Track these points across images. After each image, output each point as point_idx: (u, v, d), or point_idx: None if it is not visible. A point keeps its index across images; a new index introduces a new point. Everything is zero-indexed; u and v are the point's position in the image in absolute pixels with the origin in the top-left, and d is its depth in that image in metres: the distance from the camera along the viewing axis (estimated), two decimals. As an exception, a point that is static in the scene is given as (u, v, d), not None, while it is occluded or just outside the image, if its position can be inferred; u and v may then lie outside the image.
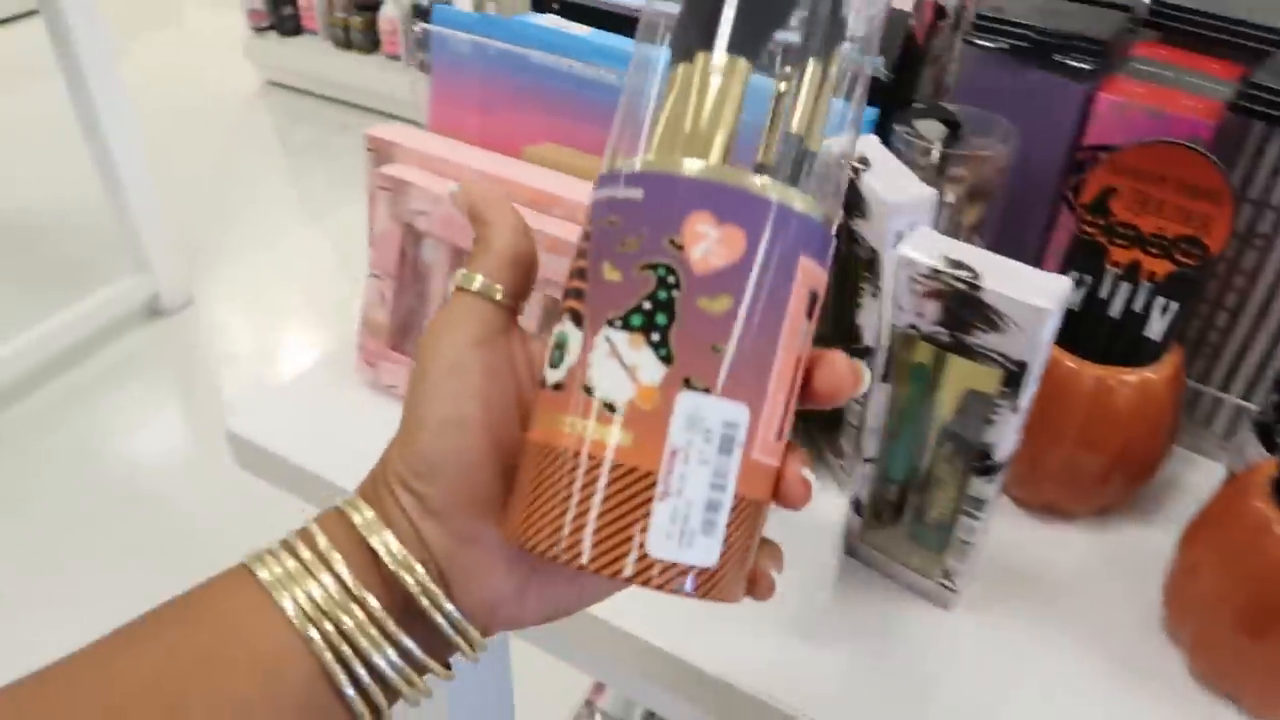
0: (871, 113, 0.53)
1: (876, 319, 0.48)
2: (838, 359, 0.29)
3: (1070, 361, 0.49)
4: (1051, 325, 0.38)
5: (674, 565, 0.26)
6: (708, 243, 0.26)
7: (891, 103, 0.55)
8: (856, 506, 0.48)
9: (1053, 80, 0.52)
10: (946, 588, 0.48)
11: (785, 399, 0.28)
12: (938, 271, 0.40)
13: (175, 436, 1.74)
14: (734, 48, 0.28)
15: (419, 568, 0.28)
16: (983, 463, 0.43)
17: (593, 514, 0.26)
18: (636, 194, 0.27)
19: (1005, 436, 0.42)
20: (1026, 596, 0.49)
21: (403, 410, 0.29)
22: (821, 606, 0.48)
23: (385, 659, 0.27)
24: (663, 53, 0.29)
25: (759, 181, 0.26)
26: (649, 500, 0.25)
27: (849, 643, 0.46)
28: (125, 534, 1.51)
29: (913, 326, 0.42)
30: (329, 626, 0.27)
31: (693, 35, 0.28)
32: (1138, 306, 0.49)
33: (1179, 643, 0.46)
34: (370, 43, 2.70)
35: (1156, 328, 0.49)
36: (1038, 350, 0.39)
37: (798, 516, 0.53)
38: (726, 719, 0.46)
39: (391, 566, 0.28)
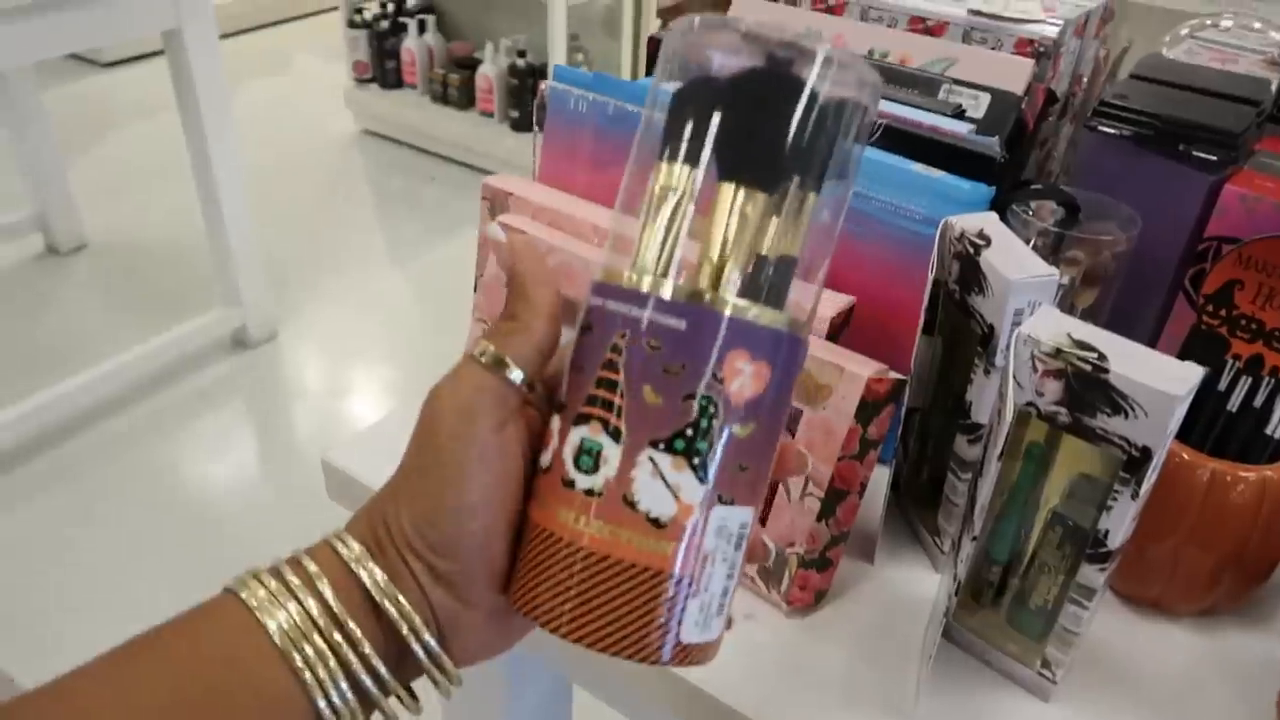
0: (986, 191, 0.53)
1: (987, 396, 0.47)
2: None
3: (1186, 453, 0.48)
4: (1180, 413, 0.38)
5: (697, 646, 0.30)
6: (744, 378, 0.29)
7: (1003, 182, 0.55)
8: (955, 587, 0.47)
9: (1178, 169, 0.51)
10: (1045, 678, 0.46)
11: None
12: (1061, 351, 0.39)
13: (248, 465, 1.78)
14: (753, 174, 0.30)
15: (401, 598, 0.30)
16: (1096, 550, 0.42)
17: (634, 611, 0.29)
18: (679, 324, 0.29)
19: (1121, 524, 0.41)
20: (1127, 694, 0.47)
21: (412, 473, 0.31)
22: (912, 687, 0.47)
23: (364, 680, 0.29)
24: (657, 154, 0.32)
25: (783, 318, 0.30)
26: (687, 598, 0.30)
27: (940, 726, 0.45)
28: (193, 556, 1.54)
29: (1030, 405, 0.41)
30: (309, 649, 0.28)
31: (699, 148, 0.31)
32: (1258, 402, 0.48)
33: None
34: (466, 99, 2.80)
35: (1278, 425, 0.48)
36: (1163, 437, 0.38)
37: (890, 595, 0.52)
38: (808, 794, 0.45)
39: (375, 596, 0.30)
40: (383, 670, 0.29)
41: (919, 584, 0.52)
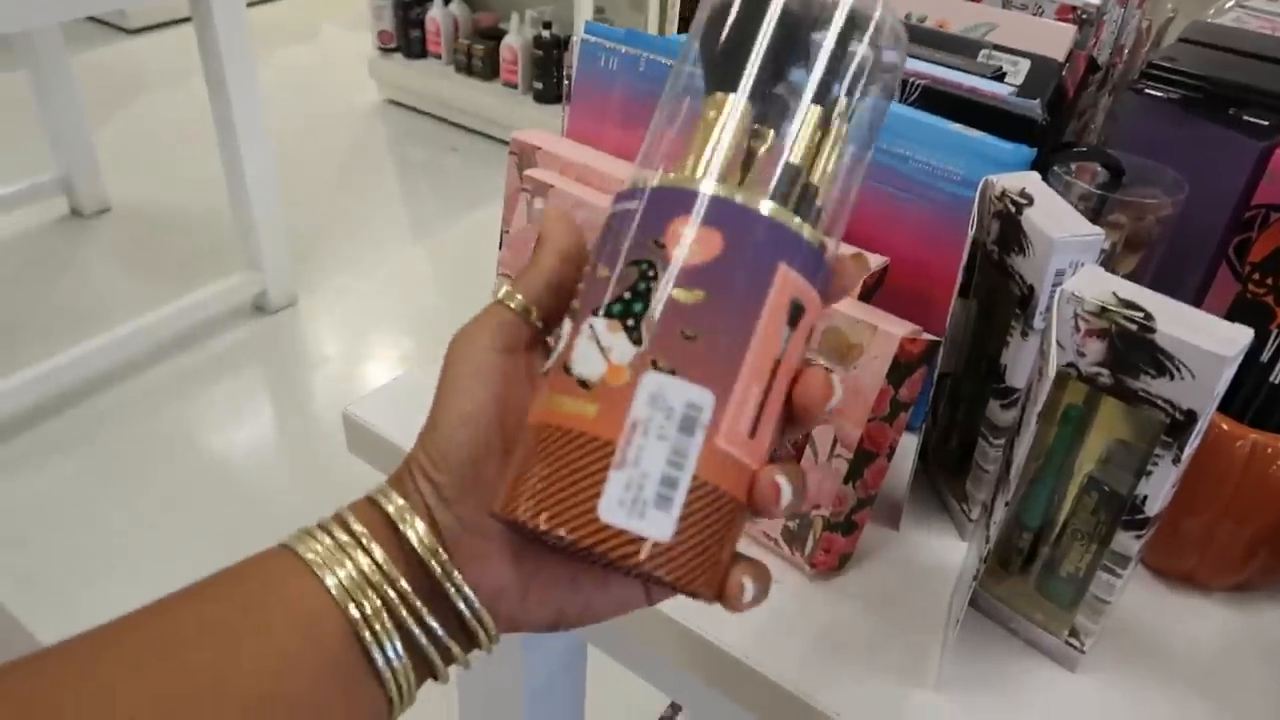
0: (1027, 153, 0.52)
1: (1023, 360, 0.46)
2: (813, 372, 0.30)
3: (1226, 424, 0.46)
4: (1228, 375, 0.36)
5: (624, 533, 0.27)
6: (686, 242, 0.29)
7: (1044, 146, 0.53)
8: (985, 552, 0.47)
9: (1227, 134, 0.50)
10: (1073, 647, 0.45)
11: (759, 397, 0.29)
12: (1106, 310, 0.38)
13: (267, 429, 1.78)
14: (734, 86, 0.31)
15: (443, 553, 0.30)
16: (1133, 516, 0.41)
17: (555, 478, 0.28)
18: (633, 205, 0.30)
19: (1160, 490, 0.40)
20: (1156, 667, 0.46)
21: (431, 406, 0.32)
22: (936, 654, 0.46)
23: (417, 636, 0.29)
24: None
25: (739, 194, 0.30)
26: (606, 468, 0.27)
27: (963, 695, 0.44)
28: (212, 518, 1.55)
29: (1071, 366, 0.40)
30: (365, 603, 0.29)
31: (708, 78, 0.32)
32: (1303, 374, 0.47)
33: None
34: (490, 70, 2.78)
35: (1323, 398, 0.46)
36: (1209, 400, 0.37)
37: (915, 561, 0.52)
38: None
39: (420, 551, 0.30)
40: (435, 625, 0.30)
41: (945, 551, 0.52)
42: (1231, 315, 0.49)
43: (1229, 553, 0.48)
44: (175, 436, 1.73)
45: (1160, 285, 0.54)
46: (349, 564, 0.29)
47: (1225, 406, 0.47)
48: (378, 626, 0.29)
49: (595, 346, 0.29)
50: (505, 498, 0.29)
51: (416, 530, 0.30)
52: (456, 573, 0.30)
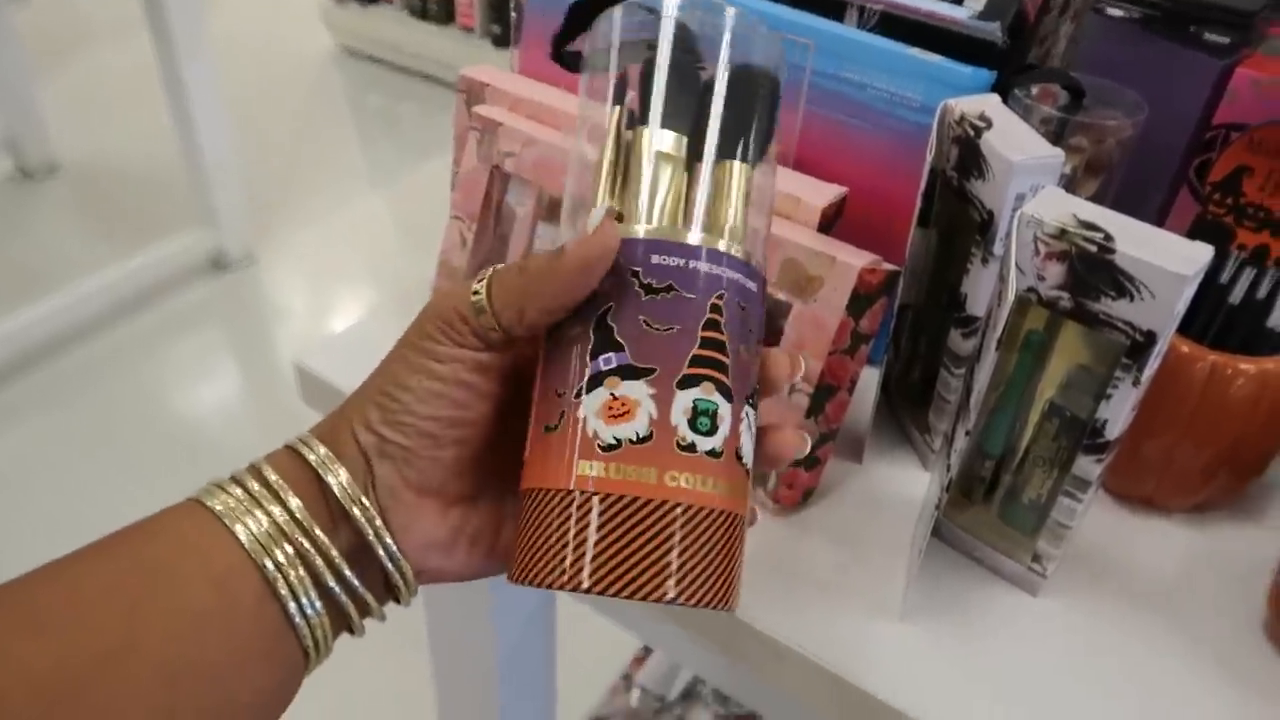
0: (987, 76, 0.50)
1: (983, 287, 0.46)
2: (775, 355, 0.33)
3: (1185, 346, 0.46)
4: (1188, 294, 0.36)
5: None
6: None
7: (1004, 70, 0.52)
8: (946, 482, 0.46)
9: (1187, 53, 0.49)
10: (1035, 572, 0.45)
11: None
12: (1066, 231, 0.37)
13: (230, 388, 1.76)
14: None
15: (365, 500, 0.30)
16: (1094, 440, 0.41)
17: (735, 559, 0.30)
18: (753, 286, 0.32)
19: (1120, 413, 0.40)
20: (1116, 589, 0.46)
21: (388, 361, 0.31)
22: (900, 585, 0.46)
23: (331, 586, 0.29)
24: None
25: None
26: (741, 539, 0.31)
27: (927, 622, 0.44)
28: (178, 479, 1.52)
29: (1031, 290, 0.40)
30: (278, 553, 0.28)
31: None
32: (1261, 293, 0.47)
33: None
34: (445, 14, 2.71)
35: (1281, 318, 0.46)
36: (1170, 319, 0.37)
37: (878, 494, 0.52)
38: (791, 690, 0.44)
39: (340, 499, 0.29)
40: (350, 575, 0.29)
41: (908, 483, 0.51)
42: (1191, 237, 0.48)
43: (1188, 474, 0.48)
44: (138, 397, 1.70)
45: (1121, 209, 0.53)
46: (260, 514, 0.28)
47: (1185, 328, 0.47)
48: (291, 577, 0.28)
49: (750, 436, 0.31)
50: (668, 579, 0.28)
51: (339, 477, 0.29)
52: (379, 520, 0.30)
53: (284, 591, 0.28)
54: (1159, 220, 0.54)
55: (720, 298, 0.30)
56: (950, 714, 0.40)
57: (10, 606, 0.25)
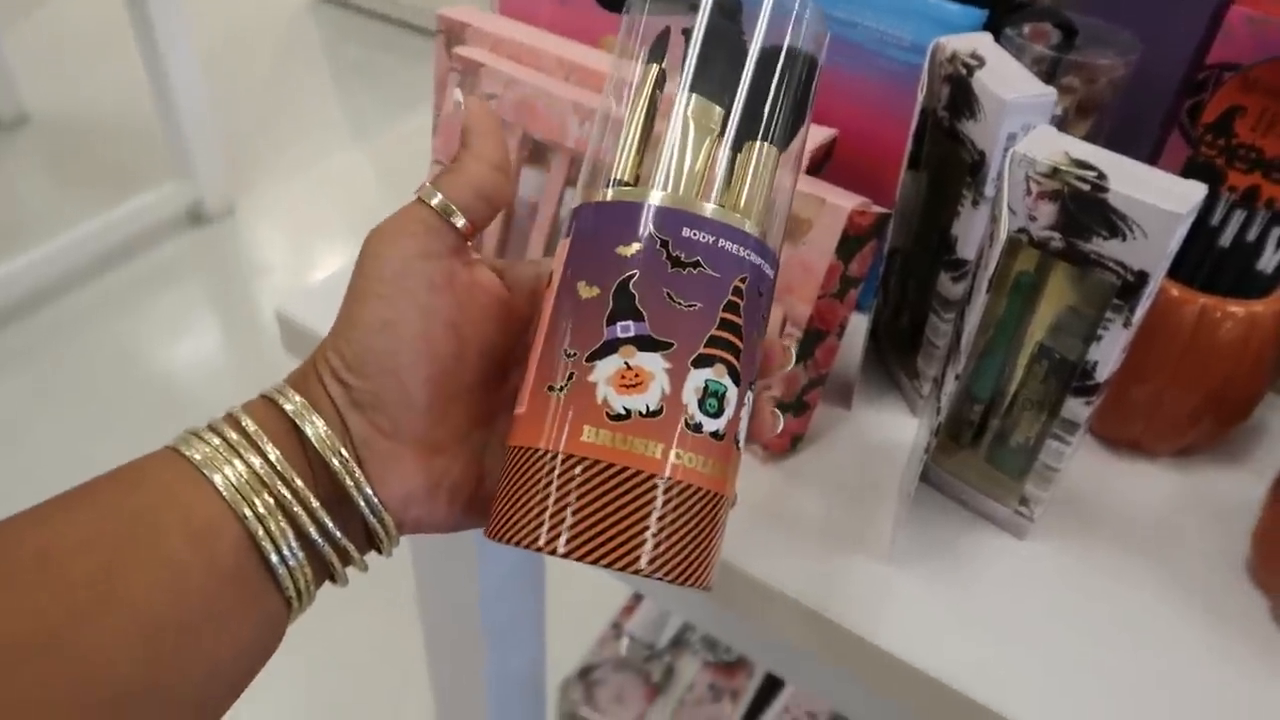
0: (978, 15, 0.49)
1: (974, 230, 0.45)
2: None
3: (1174, 289, 0.46)
4: (1181, 233, 0.36)
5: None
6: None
7: (995, 8, 0.51)
8: (936, 426, 0.46)
9: (1182, -12, 0.48)
10: (1022, 515, 0.45)
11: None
12: (1058, 170, 0.37)
13: (210, 342, 1.74)
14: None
15: (344, 450, 0.29)
16: (1083, 382, 0.40)
17: (715, 538, 0.30)
18: (772, 273, 0.31)
19: (1111, 354, 0.39)
20: (1103, 532, 0.47)
21: (341, 305, 0.30)
22: (888, 529, 0.46)
23: (312, 536, 0.28)
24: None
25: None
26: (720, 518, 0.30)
27: (917, 566, 0.44)
28: (159, 433, 1.51)
29: (1022, 231, 0.39)
30: (257, 503, 0.27)
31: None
32: (1251, 236, 0.46)
33: (1265, 589, 0.44)
34: (424, -39, 2.64)
35: (1270, 260, 0.46)
36: (1162, 260, 0.36)
37: (867, 440, 0.51)
38: (781, 634, 0.44)
39: (319, 449, 0.29)
40: (330, 524, 0.29)
41: (897, 429, 0.51)
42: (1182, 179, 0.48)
43: (1175, 417, 0.48)
44: (117, 353, 1.68)
45: (1113, 150, 0.53)
46: (239, 463, 0.28)
47: (1175, 272, 0.47)
48: (272, 526, 0.27)
49: (746, 418, 0.30)
50: (658, 557, 0.28)
51: (316, 427, 0.29)
52: (359, 471, 0.29)
53: (264, 542, 0.27)
54: (1150, 162, 0.53)
55: (743, 280, 0.29)
56: (938, 656, 0.41)
57: None
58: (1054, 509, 0.47)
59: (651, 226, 0.29)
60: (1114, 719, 0.39)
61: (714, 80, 0.31)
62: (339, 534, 0.29)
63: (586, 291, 0.29)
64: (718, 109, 0.31)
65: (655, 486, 0.27)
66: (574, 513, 0.27)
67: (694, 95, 0.31)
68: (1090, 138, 0.50)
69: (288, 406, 0.29)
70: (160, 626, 0.25)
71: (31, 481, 1.43)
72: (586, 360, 0.28)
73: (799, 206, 0.45)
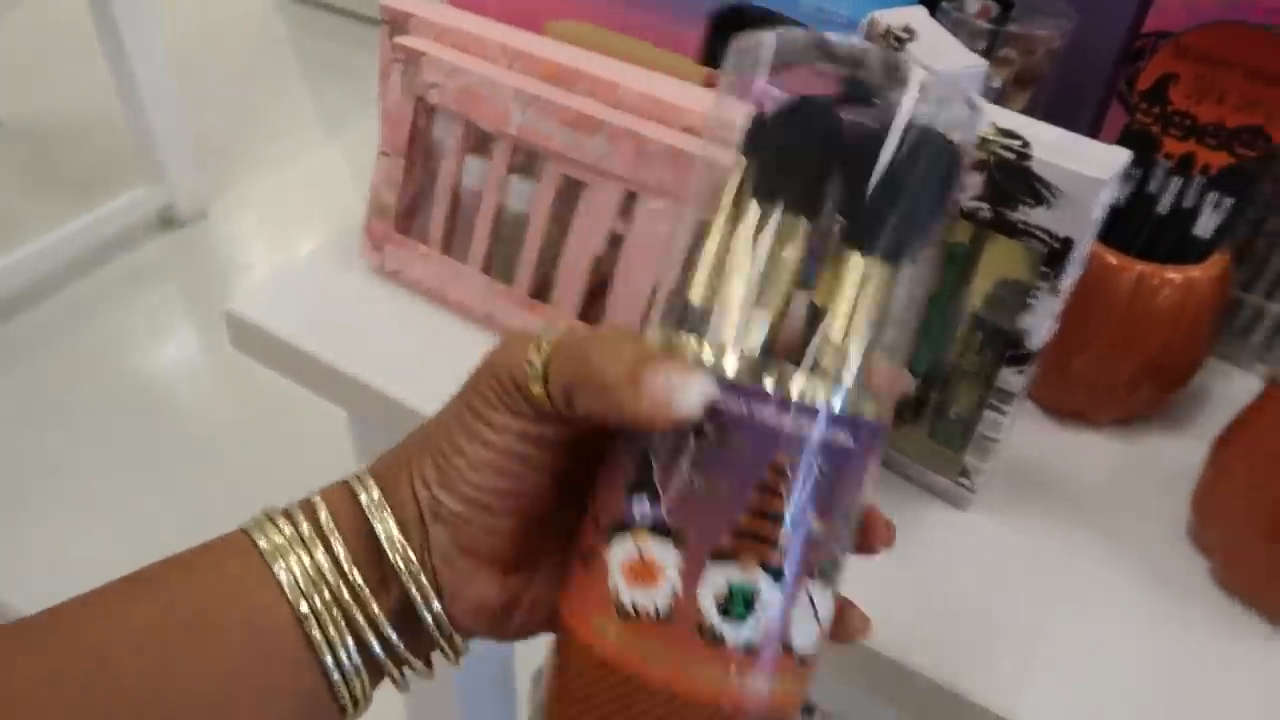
0: (915, -12, 0.49)
1: (910, 203, 0.45)
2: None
3: (1111, 257, 0.46)
4: (1104, 198, 0.36)
5: None
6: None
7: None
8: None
9: (1114, -42, 0.48)
10: (964, 487, 0.46)
11: None
12: (985, 139, 0.37)
13: (187, 346, 1.73)
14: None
15: (413, 557, 0.27)
16: (1016, 351, 0.41)
17: None
18: (849, 442, 0.24)
19: (1041, 322, 0.40)
20: (1045, 501, 0.47)
21: (451, 415, 0.28)
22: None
23: (371, 642, 0.27)
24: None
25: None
26: None
27: (862, 540, 0.45)
28: (136, 441, 1.51)
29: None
30: (318, 602, 0.26)
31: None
32: (1188, 202, 0.47)
33: (1206, 551, 0.44)
34: (393, -44, 2.63)
35: (1205, 225, 0.46)
36: (1086, 226, 0.36)
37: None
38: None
39: (388, 550, 0.27)
40: (389, 631, 0.27)
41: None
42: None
43: (1116, 386, 0.48)
44: (94, 357, 1.67)
45: (1052, 122, 0.53)
46: (306, 558, 0.26)
47: (1112, 240, 0.47)
48: (331, 631, 0.26)
49: (814, 617, 0.25)
50: None
51: (388, 528, 0.27)
52: (425, 580, 0.28)
53: (321, 641, 0.26)
54: (1091, 133, 0.53)
55: (787, 458, 0.24)
56: (879, 627, 0.41)
57: (32, 650, 0.24)
58: (998, 479, 0.47)
59: None
60: (1056, 685, 0.39)
61: (802, 184, 0.25)
62: (398, 643, 0.27)
63: (618, 447, 0.26)
64: (804, 222, 0.25)
65: (670, 703, 0.24)
66: (591, 711, 0.25)
67: (772, 208, 0.25)
68: (1029, 110, 0.50)
69: (364, 499, 0.28)
70: None
71: (17, 487, 1.43)
72: (606, 538, 0.25)
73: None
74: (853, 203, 0.25)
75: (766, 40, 0.26)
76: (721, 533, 0.24)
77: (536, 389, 0.26)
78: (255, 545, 0.27)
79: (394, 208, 0.58)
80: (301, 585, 0.26)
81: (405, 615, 0.28)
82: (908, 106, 0.24)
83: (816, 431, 0.24)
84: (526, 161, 0.54)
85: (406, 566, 0.27)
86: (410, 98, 0.56)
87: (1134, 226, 0.48)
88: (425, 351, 0.56)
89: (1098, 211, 0.36)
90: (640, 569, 0.24)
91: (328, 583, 0.26)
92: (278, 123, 2.32)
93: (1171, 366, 0.48)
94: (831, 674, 0.43)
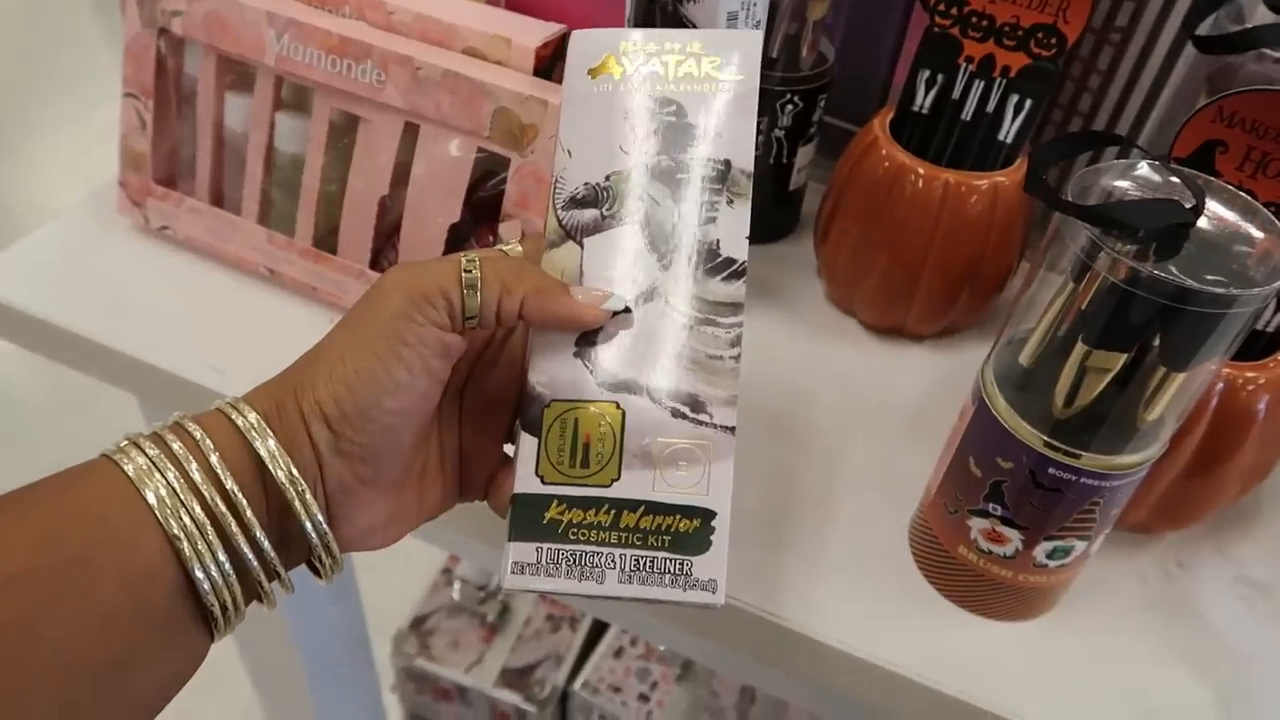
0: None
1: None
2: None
3: (921, 168, 0.45)
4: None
5: None
6: None
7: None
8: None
9: None
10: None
11: None
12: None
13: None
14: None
15: (294, 469, 0.27)
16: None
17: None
18: (1119, 484, 0.35)
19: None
20: (869, 417, 0.46)
21: (342, 344, 0.28)
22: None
23: (243, 549, 0.27)
24: None
25: None
26: None
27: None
28: (-74, 432, 1.36)
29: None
30: (187, 519, 0.26)
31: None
32: (990, 106, 0.46)
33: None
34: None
35: (1009, 129, 0.46)
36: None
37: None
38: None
39: (272, 467, 0.27)
40: (265, 543, 0.27)
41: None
42: (921, 53, 0.47)
43: (934, 298, 0.48)
44: None
45: (858, 29, 0.51)
46: (177, 473, 0.26)
47: (919, 150, 0.46)
48: (199, 544, 0.26)
49: None
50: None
51: (269, 448, 0.27)
52: (310, 496, 0.28)
53: (189, 554, 0.26)
54: (898, 41, 0.52)
55: (1095, 502, 0.35)
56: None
57: None
58: (831, 399, 0.46)
59: (1025, 457, 0.34)
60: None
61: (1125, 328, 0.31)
62: (272, 555, 0.27)
63: (974, 470, 0.36)
64: (1122, 357, 0.32)
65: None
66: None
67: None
68: (833, 15, 0.48)
69: (240, 422, 0.28)
70: (83, 671, 0.24)
71: None
72: (968, 512, 0.37)
73: (521, 110, 0.41)
74: None
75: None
76: (1055, 524, 0.36)
77: (473, 299, 0.28)
78: (119, 468, 0.26)
79: (149, 157, 0.51)
80: (169, 502, 0.26)
81: (281, 532, 0.28)
82: None
83: (1117, 481, 0.35)
84: (295, 97, 0.49)
85: (292, 484, 0.27)
86: (152, 29, 0.48)
87: (943, 136, 0.46)
88: (207, 316, 0.50)
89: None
90: (994, 535, 0.37)
91: (200, 495, 0.26)
92: (71, 73, 2.10)
93: (986, 273, 0.47)
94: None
